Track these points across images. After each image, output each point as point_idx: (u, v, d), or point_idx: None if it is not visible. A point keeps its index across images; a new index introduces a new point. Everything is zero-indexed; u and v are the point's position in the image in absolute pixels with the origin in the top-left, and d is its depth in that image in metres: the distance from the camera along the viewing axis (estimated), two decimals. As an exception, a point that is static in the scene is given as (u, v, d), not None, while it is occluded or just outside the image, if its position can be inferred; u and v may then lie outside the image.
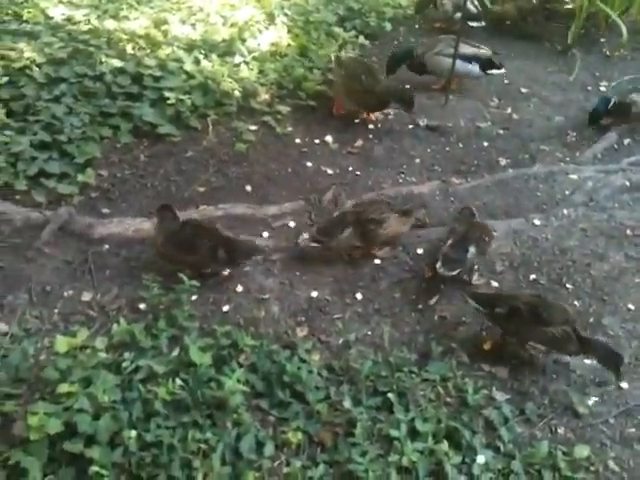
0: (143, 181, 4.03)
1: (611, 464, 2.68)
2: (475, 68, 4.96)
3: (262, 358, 2.95)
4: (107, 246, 3.53)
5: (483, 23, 5.72)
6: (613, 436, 2.80)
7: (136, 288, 3.24)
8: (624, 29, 5.65)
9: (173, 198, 3.93)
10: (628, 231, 3.83)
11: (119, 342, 2.91)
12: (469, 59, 4.96)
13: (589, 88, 5.29)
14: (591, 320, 3.29)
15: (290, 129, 4.58)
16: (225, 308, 3.27)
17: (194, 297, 3.23)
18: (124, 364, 2.77)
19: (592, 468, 2.64)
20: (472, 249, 3.41)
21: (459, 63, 4.93)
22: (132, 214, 3.76)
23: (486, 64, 4.97)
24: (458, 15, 5.50)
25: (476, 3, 5.80)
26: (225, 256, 3.29)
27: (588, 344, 2.96)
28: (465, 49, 4.98)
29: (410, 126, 4.72)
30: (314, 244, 3.52)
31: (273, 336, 3.13)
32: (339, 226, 3.52)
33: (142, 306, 3.17)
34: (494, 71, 5.01)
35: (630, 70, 5.65)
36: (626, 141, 4.70)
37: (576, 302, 3.40)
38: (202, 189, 4.04)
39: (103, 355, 2.76)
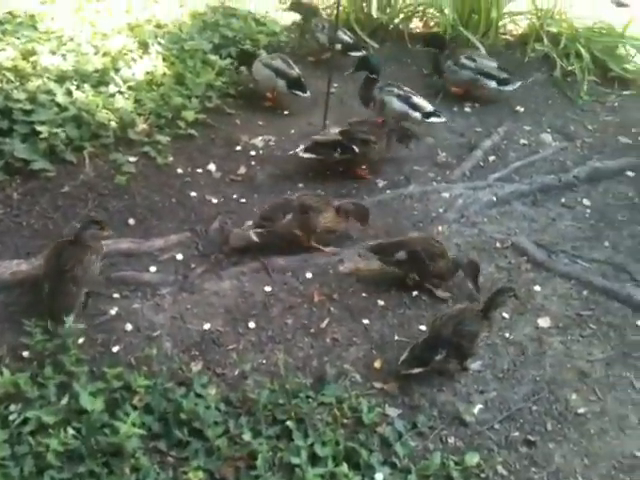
0: (18, 220, 3.87)
1: (500, 469, 2.87)
2: (281, 83, 5.26)
3: (157, 398, 2.91)
4: (-17, 292, 3.37)
5: (364, 52, 5.94)
6: (499, 441, 3.00)
7: (18, 334, 3.11)
8: (484, 51, 6.07)
9: (51, 236, 3.79)
10: (497, 244, 4.12)
11: (4, 394, 2.78)
12: (279, 74, 5.26)
13: (455, 109, 5.62)
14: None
15: (171, 159, 4.54)
16: (115, 349, 3.21)
17: (81, 340, 3.15)
18: (11, 417, 2.67)
19: (482, 475, 2.82)
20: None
21: (267, 73, 5.27)
22: (8, 256, 3.60)
23: (291, 83, 5.25)
24: (339, 46, 5.72)
25: (349, 34, 6.01)
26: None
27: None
28: (278, 63, 5.29)
29: (291, 152, 4.82)
30: (258, 230, 3.79)
31: (167, 374, 3.09)
32: (281, 212, 3.78)
33: (26, 353, 3.05)
34: (298, 92, 5.25)
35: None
36: (491, 158, 5.02)
37: (456, 314, 3.61)
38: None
39: (-13, 410, 2.64)
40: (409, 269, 3.71)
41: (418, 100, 5.08)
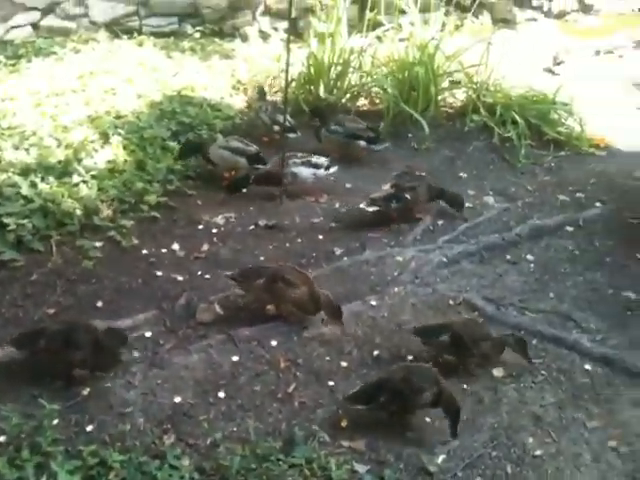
0: (-12, 309, 3.99)
1: (464, 513, 3.02)
2: (242, 160, 5.66)
3: (132, 472, 3.00)
4: (-44, 382, 3.45)
5: (299, 134, 6.31)
6: (462, 488, 3.16)
7: (-7, 420, 3.20)
8: (425, 125, 6.49)
9: (21, 323, 3.92)
10: (450, 301, 4.37)
11: (-18, 479, 2.85)
12: (238, 152, 5.66)
13: (404, 177, 5.97)
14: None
15: (136, 241, 4.74)
16: (89, 428, 3.29)
17: (56, 421, 3.24)
18: (-10, 501, 2.73)
19: (448, 520, 2.96)
20: None
21: (226, 155, 5.64)
22: (-21, 345, 3.70)
23: (252, 158, 5.67)
24: (276, 127, 6.22)
25: (289, 119, 6.38)
26: None
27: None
28: (235, 144, 5.71)
29: (251, 227, 5.08)
30: (232, 281, 4.11)
31: (141, 448, 3.18)
32: (256, 275, 4.04)
33: (2, 438, 3.11)
34: (260, 166, 5.63)
35: (435, 159, 6.45)
36: (440, 222, 5.34)
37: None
38: (51, 311, 4.06)
39: (-34, 496, 2.71)
40: (452, 353, 3.83)
41: (316, 159, 5.66)
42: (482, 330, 3.88)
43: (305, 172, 5.59)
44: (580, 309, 4.43)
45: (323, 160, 5.68)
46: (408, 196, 5.16)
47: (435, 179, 5.60)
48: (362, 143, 6.22)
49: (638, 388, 3.80)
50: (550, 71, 8.78)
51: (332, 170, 5.69)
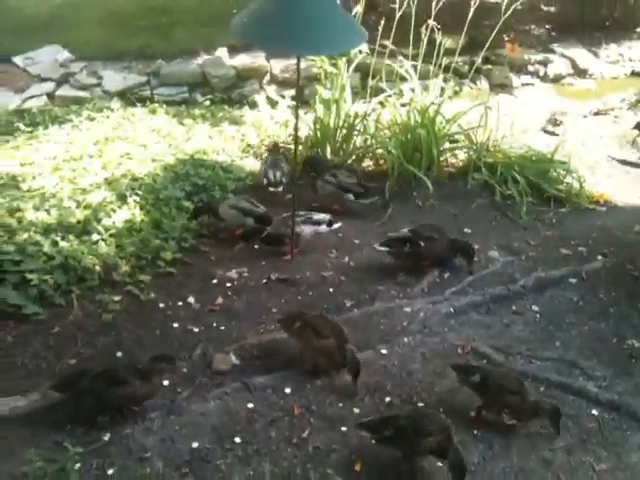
0: (12, 360, 4.12)
1: None
2: (249, 220, 5.84)
3: (152, 514, 3.09)
4: (-18, 428, 3.56)
5: (281, 189, 6.55)
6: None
7: (18, 465, 3.29)
8: (429, 184, 6.72)
9: (44, 374, 4.05)
10: (459, 350, 4.49)
11: (6, 521, 2.94)
12: (246, 212, 5.84)
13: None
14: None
15: (153, 295, 4.90)
16: (110, 471, 3.40)
17: (77, 465, 3.34)
18: (13, 542, 2.81)
19: None
20: None
21: (234, 213, 5.83)
22: (4, 394, 3.82)
23: (257, 219, 5.84)
24: (265, 181, 6.53)
25: (278, 174, 6.61)
26: None
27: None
28: (242, 204, 5.89)
29: (263, 281, 5.24)
30: (278, 323, 4.41)
31: (160, 491, 3.28)
32: (296, 319, 4.28)
33: (26, 482, 3.23)
34: (265, 227, 5.77)
35: (440, 215, 6.65)
36: (446, 275, 5.49)
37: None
38: (73, 361, 4.19)
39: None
40: (478, 394, 3.94)
41: (317, 216, 5.80)
42: (516, 386, 3.84)
43: (307, 230, 5.72)
44: (585, 357, 4.55)
45: (324, 217, 5.84)
46: (423, 243, 5.33)
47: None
48: (350, 196, 6.48)
49: (645, 432, 3.89)
50: (548, 132, 9.07)
51: (336, 226, 5.85)
